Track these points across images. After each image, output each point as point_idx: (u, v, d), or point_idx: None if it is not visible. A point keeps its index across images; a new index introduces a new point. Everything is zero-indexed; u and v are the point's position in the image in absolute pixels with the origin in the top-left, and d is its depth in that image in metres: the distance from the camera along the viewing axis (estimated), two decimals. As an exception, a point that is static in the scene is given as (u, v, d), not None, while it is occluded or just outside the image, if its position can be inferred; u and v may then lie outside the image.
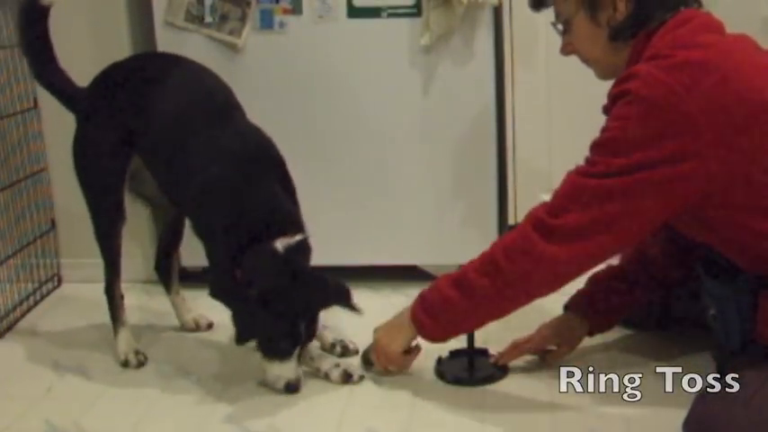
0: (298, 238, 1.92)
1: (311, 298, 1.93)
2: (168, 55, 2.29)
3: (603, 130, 1.74)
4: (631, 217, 1.70)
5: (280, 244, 1.89)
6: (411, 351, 2.00)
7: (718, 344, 1.85)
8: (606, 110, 1.78)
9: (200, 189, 1.98)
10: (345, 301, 1.98)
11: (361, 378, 2.02)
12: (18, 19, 2.22)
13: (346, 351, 2.16)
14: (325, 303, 1.97)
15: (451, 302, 1.85)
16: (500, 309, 1.86)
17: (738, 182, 1.65)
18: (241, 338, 1.96)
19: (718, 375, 1.79)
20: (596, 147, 1.74)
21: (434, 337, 1.94)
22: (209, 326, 2.37)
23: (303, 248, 1.94)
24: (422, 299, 1.92)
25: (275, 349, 1.94)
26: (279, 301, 1.88)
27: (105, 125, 2.13)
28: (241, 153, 2.00)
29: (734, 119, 1.62)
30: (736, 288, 1.75)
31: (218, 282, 2.01)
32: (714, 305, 1.80)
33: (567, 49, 1.90)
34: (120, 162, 2.13)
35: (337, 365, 2.03)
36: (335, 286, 1.97)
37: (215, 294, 2.02)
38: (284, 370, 1.95)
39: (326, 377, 2.02)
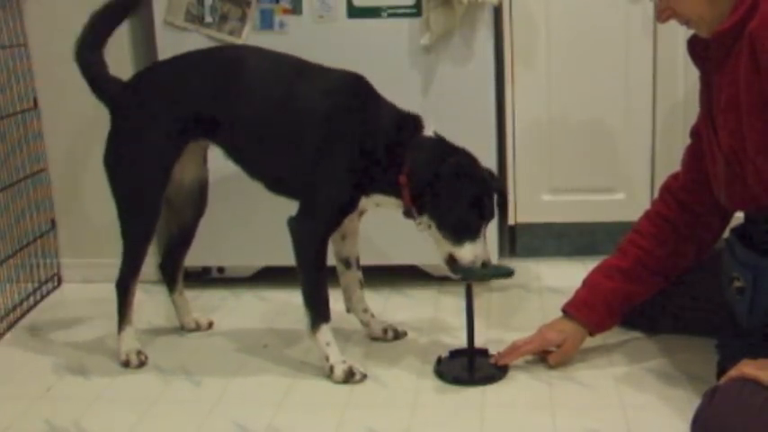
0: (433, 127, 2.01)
1: (484, 171, 2.00)
2: (228, 46, 2.30)
3: None
4: None
5: (431, 132, 2.00)
6: None
7: (721, 341, 1.84)
8: (704, 47, 1.74)
9: (323, 118, 1.99)
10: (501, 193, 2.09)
11: (364, 377, 2.01)
12: None
13: (397, 335, 2.24)
14: (491, 189, 1.99)
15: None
16: None
17: None
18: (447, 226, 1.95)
19: (718, 376, 1.79)
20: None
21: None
22: (210, 325, 2.37)
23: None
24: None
25: (468, 229, 1.94)
26: (465, 177, 1.93)
27: (157, 119, 2.08)
28: (347, 81, 2.05)
29: None
30: None
31: (320, 224, 2.00)
32: (746, 276, 1.77)
33: (665, 15, 1.80)
34: (170, 158, 2.10)
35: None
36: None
37: (303, 232, 2.01)
38: (477, 249, 1.94)
39: (331, 371, 2.01)
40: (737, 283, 1.79)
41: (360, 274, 2.23)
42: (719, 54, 1.72)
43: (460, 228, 1.95)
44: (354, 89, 2.05)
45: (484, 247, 1.97)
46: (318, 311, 2.02)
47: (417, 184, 1.96)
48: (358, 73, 2.07)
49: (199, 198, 2.28)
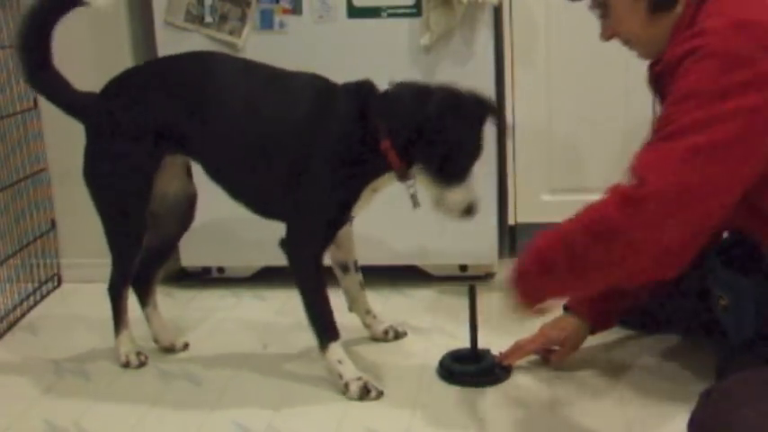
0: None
1: (468, 100, 1.91)
2: (196, 52, 2.20)
3: (674, 93, 1.61)
4: (724, 172, 1.55)
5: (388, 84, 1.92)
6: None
7: (721, 342, 1.84)
8: (657, 78, 1.72)
9: (291, 133, 1.93)
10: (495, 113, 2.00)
11: (380, 394, 1.95)
12: (33, 8, 2.06)
13: (398, 335, 2.24)
14: (486, 113, 1.94)
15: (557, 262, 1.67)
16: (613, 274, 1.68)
17: None
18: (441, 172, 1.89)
19: (717, 376, 1.79)
20: (670, 108, 1.61)
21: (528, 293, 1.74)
22: (185, 346, 2.25)
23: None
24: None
25: (458, 170, 1.89)
26: (449, 116, 1.84)
27: (129, 131, 2.03)
28: (307, 87, 1.99)
29: None
30: (757, 278, 1.73)
31: (312, 243, 1.96)
32: (729, 296, 1.78)
33: (607, 33, 1.83)
34: (148, 170, 2.05)
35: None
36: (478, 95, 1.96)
37: (296, 254, 1.96)
38: (466, 192, 1.91)
39: (346, 388, 1.94)
40: (722, 302, 1.81)
41: (359, 277, 2.21)
42: (668, 82, 1.69)
43: (451, 171, 1.89)
44: (315, 93, 1.98)
45: (472, 187, 1.92)
46: (325, 331, 1.97)
47: (403, 140, 1.88)
48: (316, 74, 2.02)
49: (184, 212, 2.21)
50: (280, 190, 1.98)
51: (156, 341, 2.26)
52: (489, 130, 2.52)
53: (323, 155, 1.93)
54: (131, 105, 2.04)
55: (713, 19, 1.62)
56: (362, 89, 1.96)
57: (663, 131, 1.59)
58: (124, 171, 2.05)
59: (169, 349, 2.24)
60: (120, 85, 2.09)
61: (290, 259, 1.97)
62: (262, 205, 2.06)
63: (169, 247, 2.27)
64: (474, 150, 1.92)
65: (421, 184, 1.95)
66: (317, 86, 2.00)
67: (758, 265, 1.74)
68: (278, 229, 2.02)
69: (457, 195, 1.90)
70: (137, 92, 2.06)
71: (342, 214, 1.99)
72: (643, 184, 1.55)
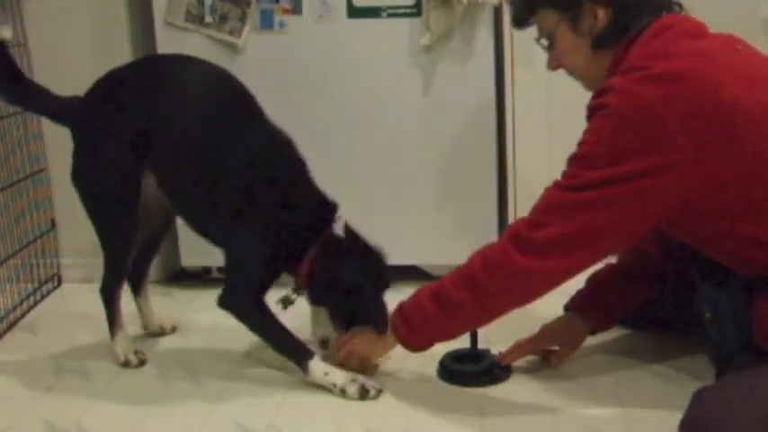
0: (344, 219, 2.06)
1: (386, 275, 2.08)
2: (179, 56, 2.20)
3: (580, 144, 1.74)
4: (608, 230, 1.70)
5: (340, 229, 2.04)
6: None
7: (714, 345, 1.85)
8: (588, 120, 1.77)
9: (241, 193, 1.99)
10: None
11: (379, 392, 1.96)
12: None
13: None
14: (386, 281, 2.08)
15: (431, 316, 1.86)
16: (479, 320, 1.90)
17: (723, 188, 1.65)
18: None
19: (716, 376, 1.79)
20: (573, 160, 1.75)
21: (416, 348, 1.94)
22: (174, 329, 2.35)
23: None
24: (401, 312, 1.92)
25: (340, 315, 2.05)
26: (355, 291, 2.00)
27: (116, 134, 2.05)
28: (277, 155, 2.04)
29: (712, 126, 1.61)
30: (731, 291, 1.76)
31: (246, 290, 2.04)
32: (709, 308, 1.81)
33: (553, 64, 1.90)
34: (136, 170, 2.06)
35: (354, 380, 1.96)
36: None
37: (234, 304, 2.05)
38: (330, 331, 2.08)
39: (344, 392, 1.95)
40: (707, 314, 1.82)
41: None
42: None
43: (335, 313, 2.06)
44: (282, 160, 2.05)
45: (340, 332, 2.07)
46: (297, 354, 2.01)
47: (316, 285, 2.04)
48: (290, 137, 2.06)
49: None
50: (219, 224, 2.05)
51: (145, 328, 2.32)
52: (489, 131, 2.54)
53: (264, 223, 2.00)
54: (114, 108, 2.06)
55: (621, 76, 1.69)
56: (329, 211, 2.06)
57: (565, 180, 1.75)
58: (112, 173, 2.06)
59: (159, 333, 2.31)
60: (103, 87, 2.10)
61: (234, 314, 2.05)
62: (203, 229, 2.14)
63: (158, 240, 2.29)
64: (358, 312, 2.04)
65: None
66: (284, 155, 2.06)
67: (732, 279, 1.76)
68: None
69: (324, 329, 2.10)
70: (119, 95, 2.07)
71: (274, 263, 2.06)
72: (535, 228, 1.73)
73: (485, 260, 1.80)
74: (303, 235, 2.02)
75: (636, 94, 1.63)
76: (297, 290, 2.09)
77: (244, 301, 2.03)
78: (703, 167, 1.62)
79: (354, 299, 2.00)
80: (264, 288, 2.05)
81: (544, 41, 1.88)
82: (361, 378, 1.96)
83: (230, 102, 2.07)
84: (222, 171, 2.00)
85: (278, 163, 2.03)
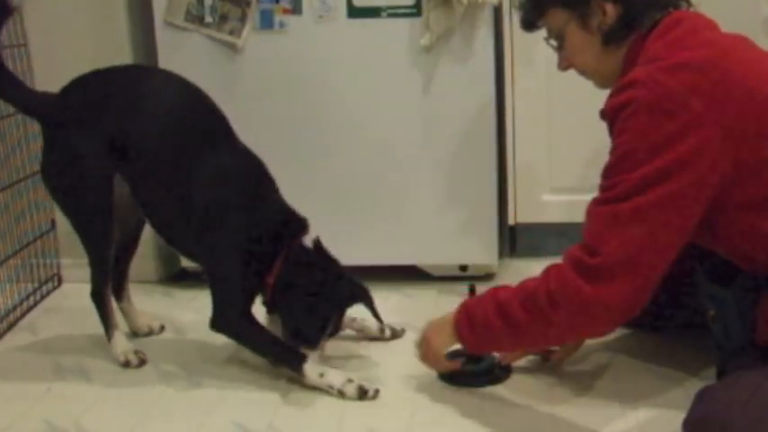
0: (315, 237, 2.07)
1: (344, 294, 2.06)
2: (156, 69, 2.23)
3: (613, 150, 1.69)
4: (670, 228, 1.63)
5: (309, 244, 2.05)
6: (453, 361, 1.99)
7: (717, 344, 1.85)
8: (604, 115, 1.76)
9: (210, 209, 2.02)
10: (369, 303, 2.08)
11: (377, 392, 1.96)
12: None
13: (396, 334, 2.26)
14: (354, 300, 2.08)
15: (494, 327, 1.78)
16: (542, 344, 1.94)
17: (747, 176, 1.63)
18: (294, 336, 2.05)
19: (718, 376, 1.79)
20: (609, 168, 1.69)
21: (473, 349, 1.94)
22: (162, 328, 2.36)
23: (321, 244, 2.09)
24: (467, 312, 1.84)
25: (306, 339, 2.03)
26: (318, 297, 2.01)
27: (91, 137, 2.06)
28: (246, 171, 2.07)
29: (741, 111, 1.60)
30: (736, 290, 1.75)
31: (231, 309, 2.06)
32: (714, 307, 1.80)
33: (563, 64, 1.90)
34: (108, 169, 2.07)
35: (350, 380, 1.96)
36: (359, 285, 2.09)
37: (225, 325, 2.08)
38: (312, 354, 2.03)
39: (342, 393, 1.95)
40: (711, 312, 1.82)
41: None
42: (611, 128, 1.76)
43: (293, 325, 2.06)
44: (251, 176, 2.08)
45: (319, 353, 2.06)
46: (290, 359, 2.02)
47: (278, 295, 2.05)
48: (258, 158, 2.09)
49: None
50: (189, 237, 2.07)
51: (134, 332, 2.32)
52: (489, 131, 2.54)
53: (235, 239, 2.03)
54: (92, 111, 2.07)
55: (644, 67, 1.67)
56: (298, 225, 2.08)
57: (607, 193, 1.66)
58: (85, 169, 2.07)
59: (147, 334, 2.32)
60: (83, 88, 2.11)
61: (226, 334, 2.09)
62: (173, 239, 2.18)
63: (133, 240, 2.29)
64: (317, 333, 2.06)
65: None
66: (253, 176, 2.08)
67: (737, 277, 1.76)
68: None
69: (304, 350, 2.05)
70: (98, 98, 2.09)
71: (253, 275, 2.06)
72: (595, 253, 1.63)
73: (549, 290, 1.68)
74: (272, 248, 2.04)
75: (663, 83, 1.61)
76: (265, 302, 2.10)
77: (233, 320, 2.06)
78: (735, 151, 1.60)
79: (301, 308, 2.02)
80: (249, 301, 2.08)
81: (553, 42, 1.88)
82: (356, 379, 1.97)
83: (201, 119, 2.10)
84: (190, 185, 2.03)
85: (247, 178, 2.07)
